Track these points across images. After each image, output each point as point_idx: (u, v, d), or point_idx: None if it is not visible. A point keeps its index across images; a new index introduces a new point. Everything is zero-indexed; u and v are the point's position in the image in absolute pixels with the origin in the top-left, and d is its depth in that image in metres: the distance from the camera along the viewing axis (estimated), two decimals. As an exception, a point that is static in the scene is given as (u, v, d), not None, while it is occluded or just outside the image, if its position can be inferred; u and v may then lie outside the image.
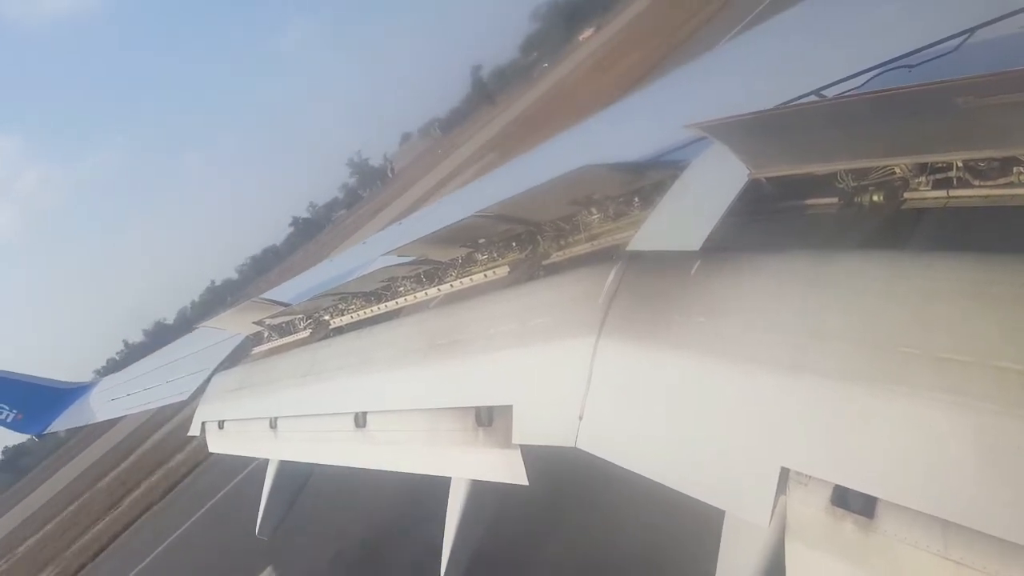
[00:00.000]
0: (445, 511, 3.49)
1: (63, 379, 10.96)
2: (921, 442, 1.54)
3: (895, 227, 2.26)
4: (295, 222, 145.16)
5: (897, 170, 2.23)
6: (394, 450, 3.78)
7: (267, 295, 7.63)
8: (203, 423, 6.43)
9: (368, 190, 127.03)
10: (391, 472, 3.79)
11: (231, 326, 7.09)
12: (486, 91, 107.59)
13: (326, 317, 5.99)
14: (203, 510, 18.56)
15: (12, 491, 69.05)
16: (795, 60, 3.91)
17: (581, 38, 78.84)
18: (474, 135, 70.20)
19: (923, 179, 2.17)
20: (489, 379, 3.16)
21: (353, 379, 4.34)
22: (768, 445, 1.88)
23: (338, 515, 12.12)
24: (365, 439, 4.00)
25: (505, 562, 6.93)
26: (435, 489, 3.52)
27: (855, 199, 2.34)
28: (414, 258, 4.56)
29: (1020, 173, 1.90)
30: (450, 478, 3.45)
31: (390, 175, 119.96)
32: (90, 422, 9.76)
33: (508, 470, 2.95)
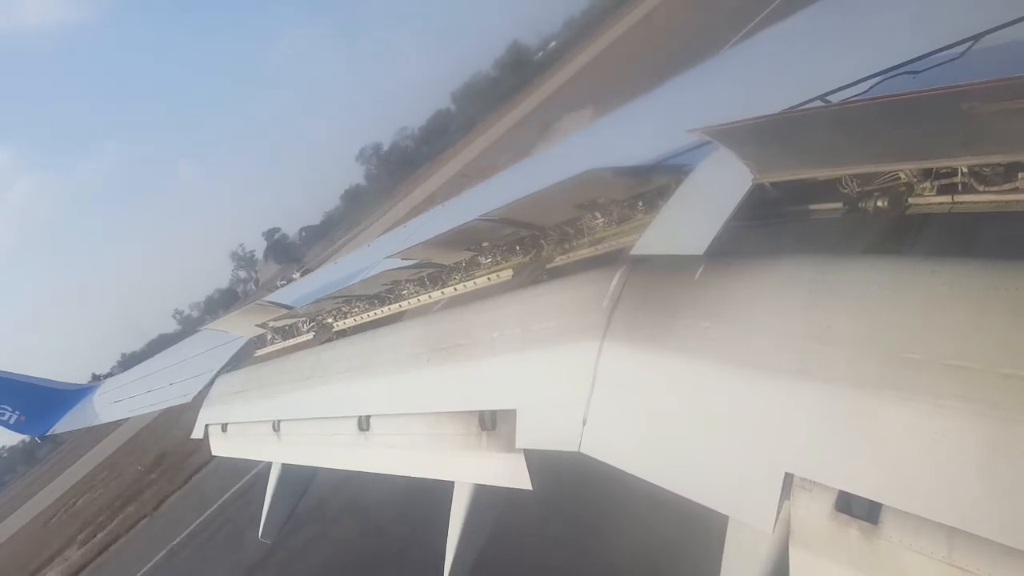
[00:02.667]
0: (448, 515, 3.48)
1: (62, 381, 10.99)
2: (925, 448, 1.54)
3: (899, 232, 2.25)
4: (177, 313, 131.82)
5: (902, 175, 2.22)
6: (397, 454, 3.78)
7: (271, 298, 7.65)
8: (206, 425, 6.43)
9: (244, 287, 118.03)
10: (394, 476, 3.80)
11: (235, 328, 7.10)
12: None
13: (329, 320, 5.99)
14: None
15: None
16: (800, 65, 3.91)
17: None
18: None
19: (928, 184, 2.17)
20: (493, 383, 3.15)
21: (356, 382, 4.33)
22: (772, 450, 1.87)
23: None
24: (368, 443, 4.00)
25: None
26: (438, 493, 3.51)
27: (859, 204, 2.34)
28: (417, 261, 4.56)
29: None
30: (453, 482, 3.45)
31: (254, 287, 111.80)
32: (93, 424, 9.78)
33: (512, 474, 2.94)
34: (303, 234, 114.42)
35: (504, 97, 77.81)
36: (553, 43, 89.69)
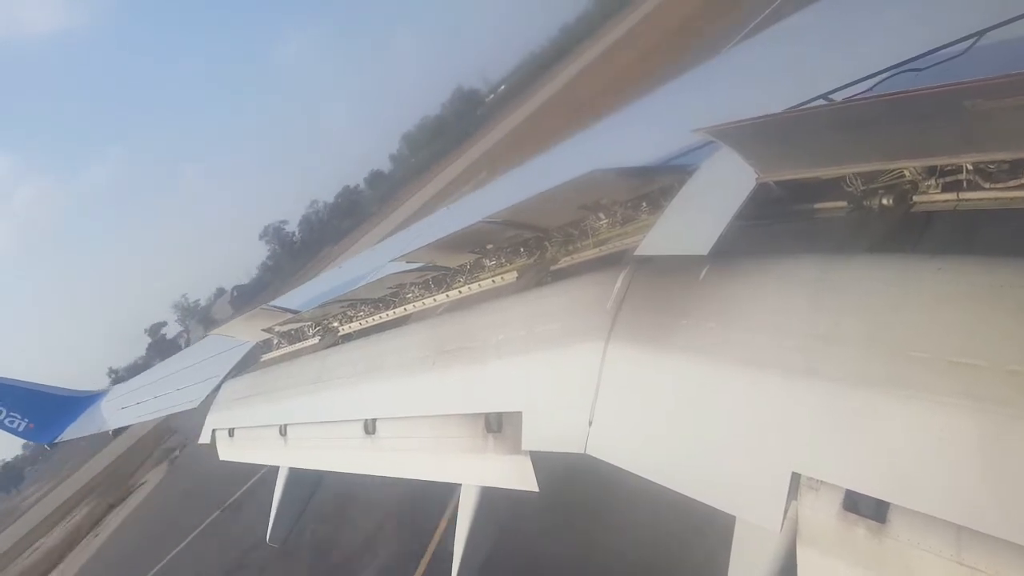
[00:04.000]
0: (455, 518, 3.49)
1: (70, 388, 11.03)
2: (933, 446, 1.53)
3: (905, 230, 2.25)
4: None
5: (906, 173, 2.22)
6: (404, 457, 3.78)
7: (276, 302, 7.67)
8: (213, 430, 6.44)
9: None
10: (401, 479, 3.80)
11: (241, 333, 7.12)
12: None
13: (335, 324, 6.00)
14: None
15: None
16: (803, 64, 3.91)
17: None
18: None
19: (932, 182, 2.16)
20: (498, 385, 3.15)
21: (362, 386, 4.34)
22: (779, 450, 1.87)
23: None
24: (375, 446, 4.00)
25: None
26: (445, 496, 3.52)
27: (864, 202, 2.33)
28: (422, 264, 4.56)
29: None
30: (460, 485, 3.45)
31: (184, 347, 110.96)
32: (101, 430, 9.80)
33: (518, 476, 2.94)
34: (235, 293, 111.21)
35: (441, 155, 79.18)
36: (503, 87, 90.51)
